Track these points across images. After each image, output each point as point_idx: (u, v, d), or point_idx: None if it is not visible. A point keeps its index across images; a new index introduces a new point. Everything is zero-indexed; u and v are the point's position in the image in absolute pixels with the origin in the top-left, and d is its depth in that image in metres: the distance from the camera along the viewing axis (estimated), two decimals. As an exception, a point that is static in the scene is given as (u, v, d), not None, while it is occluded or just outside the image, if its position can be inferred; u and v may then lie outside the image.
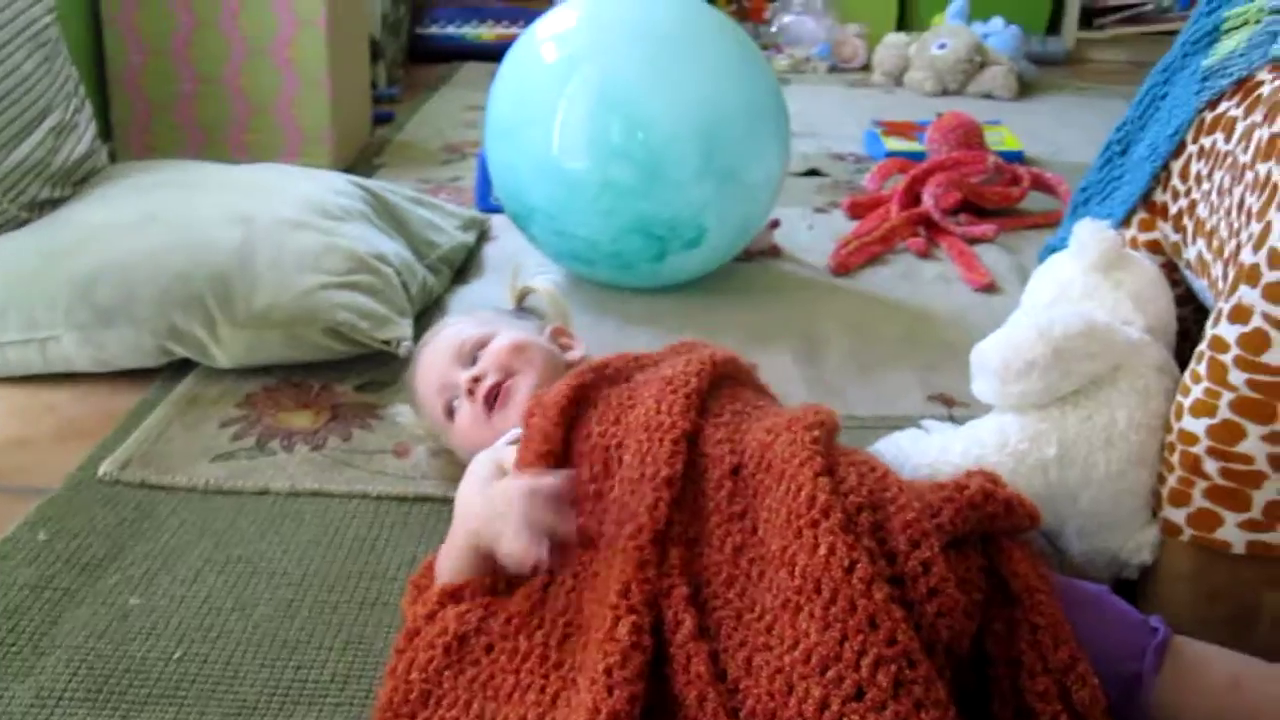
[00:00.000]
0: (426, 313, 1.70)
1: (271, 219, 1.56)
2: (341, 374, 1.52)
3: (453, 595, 1.00)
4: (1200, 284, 1.23)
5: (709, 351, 1.15)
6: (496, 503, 0.97)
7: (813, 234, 2.09)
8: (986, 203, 2.15)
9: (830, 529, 0.87)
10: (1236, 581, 1.05)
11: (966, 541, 0.94)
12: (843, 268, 1.92)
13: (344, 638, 1.06)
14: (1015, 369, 1.11)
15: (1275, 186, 1.03)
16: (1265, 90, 1.14)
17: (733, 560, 0.92)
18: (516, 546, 0.94)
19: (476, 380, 1.23)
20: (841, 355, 1.64)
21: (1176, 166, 1.26)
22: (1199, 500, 1.06)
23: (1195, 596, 1.06)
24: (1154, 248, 1.31)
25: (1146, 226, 1.31)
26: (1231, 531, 1.05)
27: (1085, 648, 0.91)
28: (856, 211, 2.17)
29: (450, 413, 1.26)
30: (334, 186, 1.72)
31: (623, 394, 1.10)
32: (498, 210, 1.99)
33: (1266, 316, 1.02)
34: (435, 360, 1.29)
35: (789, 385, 1.52)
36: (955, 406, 1.49)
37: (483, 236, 2.01)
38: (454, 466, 1.29)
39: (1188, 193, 1.24)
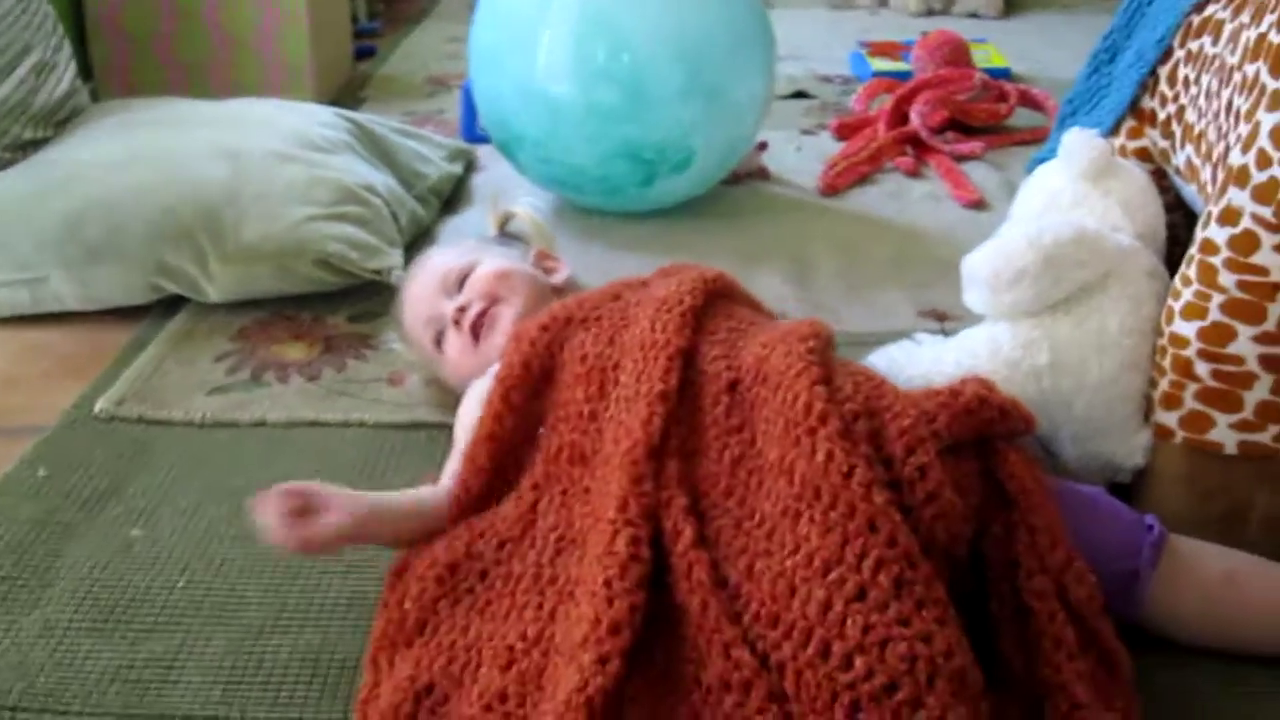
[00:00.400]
0: (416, 243, 1.69)
1: (258, 152, 1.56)
2: (333, 306, 1.52)
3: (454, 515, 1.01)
4: (1189, 190, 1.23)
5: (699, 270, 1.15)
6: None
7: (800, 155, 2.08)
8: (974, 120, 2.14)
9: (828, 435, 0.88)
10: (1229, 481, 1.06)
11: (963, 446, 0.94)
12: (831, 188, 1.91)
13: (347, 561, 1.07)
14: (1006, 278, 1.12)
15: (1263, 87, 1.03)
16: (1252, -9, 1.14)
17: (731, 471, 0.93)
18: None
19: (462, 310, 1.23)
20: (832, 275, 1.64)
21: (1164, 72, 1.25)
22: (1191, 403, 1.07)
23: (1189, 497, 1.08)
24: (1143, 155, 1.31)
25: (1135, 134, 1.31)
26: (1223, 433, 1.06)
27: (1082, 547, 0.92)
28: (844, 132, 2.16)
29: (439, 344, 1.26)
30: (319, 119, 1.71)
31: (615, 314, 1.10)
32: (484, 140, 1.98)
33: (1255, 217, 1.02)
34: (421, 293, 1.29)
35: (780, 306, 1.52)
36: (947, 320, 1.50)
37: (470, 167, 2.00)
38: (447, 394, 1.29)
39: (1175, 98, 1.24)
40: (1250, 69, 1.06)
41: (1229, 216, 1.04)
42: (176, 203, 1.47)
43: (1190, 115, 1.20)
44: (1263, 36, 1.05)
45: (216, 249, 1.46)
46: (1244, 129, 1.05)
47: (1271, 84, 1.02)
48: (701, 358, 1.02)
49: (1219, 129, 1.11)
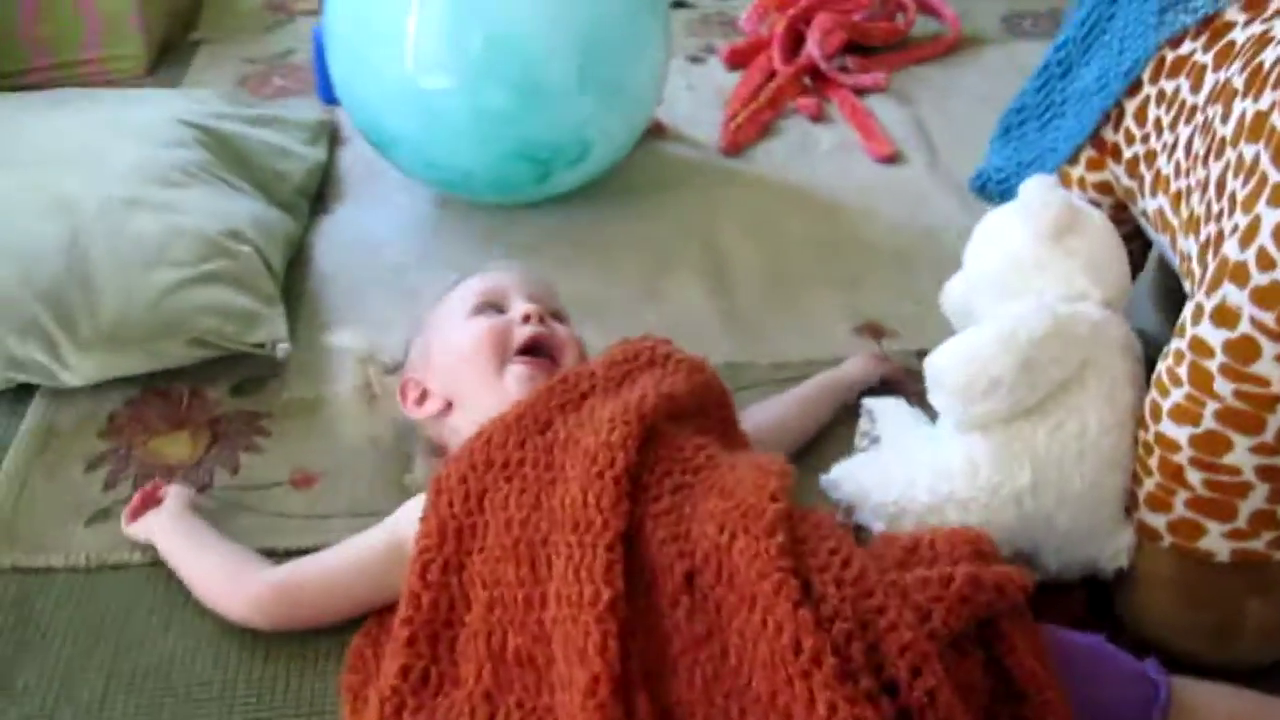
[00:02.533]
0: (293, 265, 1.51)
1: (98, 200, 1.34)
2: (211, 373, 1.34)
3: (396, 707, 0.91)
4: (1161, 239, 1.13)
5: (638, 398, 1.00)
6: None
7: (694, 95, 1.92)
8: (873, 40, 2.00)
9: (825, 682, 0.79)
10: (1220, 590, 1.01)
11: (964, 636, 0.87)
12: (734, 147, 1.77)
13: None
14: (980, 388, 1.01)
15: (1264, 177, 0.93)
16: (1238, 36, 1.03)
17: (705, 697, 0.84)
18: None
19: (540, 319, 1.14)
20: (752, 275, 1.51)
21: (1131, 106, 1.14)
22: (1181, 509, 1.00)
23: (1178, 605, 1.02)
24: (1103, 189, 1.20)
25: (1095, 166, 1.20)
26: (1215, 541, 1.00)
27: (1087, 713, 0.86)
28: (736, 59, 2.00)
29: (477, 313, 1.15)
30: (162, 134, 1.48)
31: (540, 460, 0.98)
32: (343, 101, 1.77)
33: (1256, 323, 0.93)
34: (507, 276, 1.19)
35: (703, 326, 1.42)
36: (885, 337, 1.40)
37: (334, 140, 1.79)
38: (360, 498, 1.17)
39: (1145, 139, 1.13)
40: (1249, 151, 0.96)
41: (1225, 318, 0.95)
42: (12, 283, 1.26)
43: (1164, 165, 1.10)
44: (1262, 115, 0.95)
45: (70, 336, 1.26)
46: (1241, 219, 0.95)
47: (1274, 175, 0.92)
48: (646, 540, 0.91)
49: (1208, 205, 1.01)
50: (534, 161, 1.50)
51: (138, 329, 1.27)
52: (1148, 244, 1.24)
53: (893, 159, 1.74)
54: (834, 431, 1.25)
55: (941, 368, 1.04)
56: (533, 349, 1.13)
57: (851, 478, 1.07)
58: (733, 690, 0.83)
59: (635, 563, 0.89)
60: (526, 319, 1.13)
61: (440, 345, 1.16)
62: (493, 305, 1.16)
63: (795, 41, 1.98)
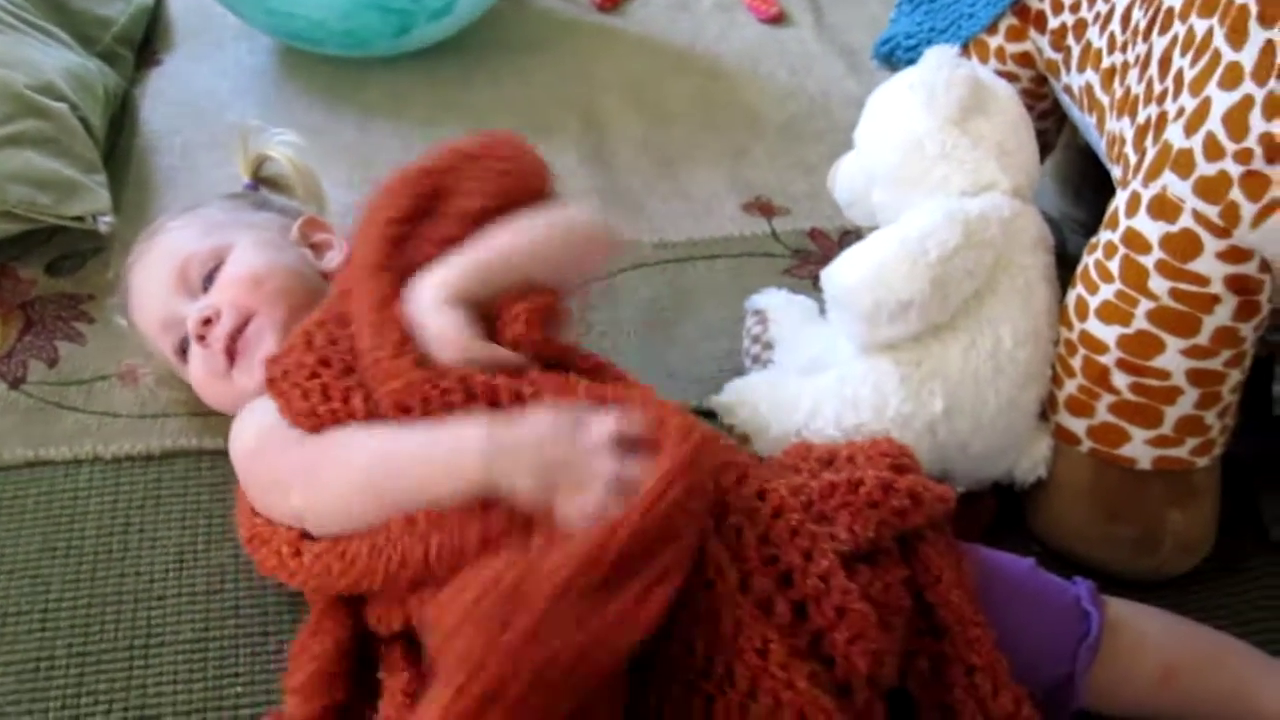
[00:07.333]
0: (117, 123, 1.34)
1: (-119, 43, 1.15)
2: (22, 247, 1.18)
3: None
4: (1085, 118, 1.05)
5: None
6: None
7: (562, -57, 1.76)
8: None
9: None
10: (1140, 499, 0.95)
11: (881, 550, 0.79)
12: (610, 1, 1.62)
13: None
14: (889, 310, 0.92)
15: (1217, 54, 0.85)
16: (1187, -100, 0.93)
17: None
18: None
19: (208, 322, 0.94)
20: (633, 145, 1.39)
21: (1060, -29, 1.04)
22: (1103, 414, 0.94)
23: (1094, 516, 0.96)
24: (1024, 60, 1.11)
25: (1016, 35, 1.10)
26: (1138, 448, 0.94)
27: (1012, 651, 0.79)
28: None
29: (183, 353, 0.98)
30: (-44, -33, 1.28)
31: None
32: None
33: (1198, 217, 0.86)
34: (153, 287, 0.99)
35: (584, 198, 1.29)
36: (775, 216, 1.30)
37: (162, -21, 1.59)
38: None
39: (1075, 8, 1.04)
40: (1200, 25, 0.87)
41: (1165, 210, 0.88)
42: None
43: (1095, 37, 1.01)
44: (1219, -13, 0.86)
45: None
46: (1188, 102, 0.87)
47: (1230, 54, 0.84)
48: None
49: (1149, 84, 0.93)
50: (391, 12, 1.34)
51: (-69, 198, 1.09)
52: (1062, 122, 1.15)
53: (779, 19, 1.62)
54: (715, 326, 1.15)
55: (845, 288, 0.94)
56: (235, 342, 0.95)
57: (746, 403, 0.97)
58: None
59: None
60: (201, 338, 0.95)
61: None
62: (178, 334, 0.98)
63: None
